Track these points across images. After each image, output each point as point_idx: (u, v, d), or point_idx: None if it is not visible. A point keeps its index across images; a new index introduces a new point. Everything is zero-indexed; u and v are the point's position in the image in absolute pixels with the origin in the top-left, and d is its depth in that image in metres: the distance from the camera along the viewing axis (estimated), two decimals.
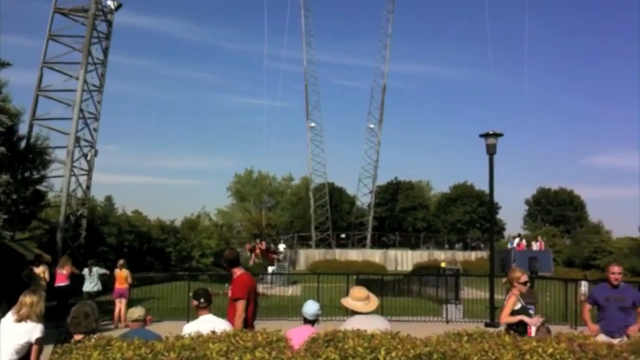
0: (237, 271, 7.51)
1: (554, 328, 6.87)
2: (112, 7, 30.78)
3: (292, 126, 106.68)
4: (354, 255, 52.59)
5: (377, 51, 57.75)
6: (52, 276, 18.04)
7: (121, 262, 18.52)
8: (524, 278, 7.17)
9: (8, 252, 23.04)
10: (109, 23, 31.22)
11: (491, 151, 18.61)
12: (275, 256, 32.06)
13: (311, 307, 6.46)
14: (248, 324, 7.06)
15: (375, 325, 4.76)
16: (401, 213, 66.51)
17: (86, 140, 30.46)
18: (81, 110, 29.11)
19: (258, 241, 30.67)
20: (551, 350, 3.65)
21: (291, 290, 28.82)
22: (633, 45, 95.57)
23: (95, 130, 31.04)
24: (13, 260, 22.00)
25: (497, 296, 17.02)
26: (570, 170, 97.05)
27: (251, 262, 31.31)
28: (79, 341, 4.05)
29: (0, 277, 17.80)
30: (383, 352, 3.58)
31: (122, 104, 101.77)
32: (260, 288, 26.11)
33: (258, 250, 30.23)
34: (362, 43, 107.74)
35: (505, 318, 6.94)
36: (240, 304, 7.12)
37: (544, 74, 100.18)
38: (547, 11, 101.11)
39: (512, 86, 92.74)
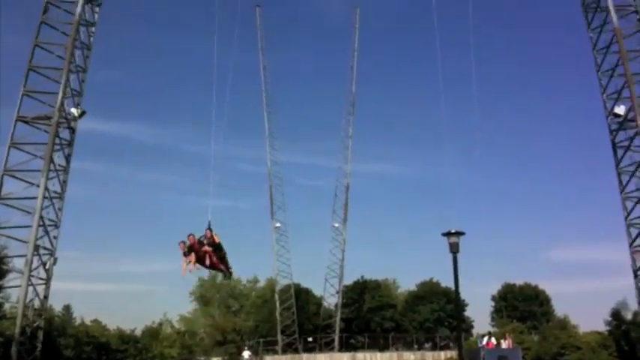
0: None
1: None
2: (76, 114, 31.16)
3: (257, 226, 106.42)
4: (322, 359, 51.19)
5: (339, 151, 59.06)
6: None
7: None
8: None
9: None
10: (72, 130, 31.46)
11: (454, 249, 18.82)
12: (223, 268, 18.45)
13: None
14: None
15: None
16: (368, 313, 65.58)
17: (45, 248, 29.83)
18: (41, 217, 28.73)
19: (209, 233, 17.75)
20: None
21: None
22: (591, 131, 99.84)
23: (55, 237, 30.50)
24: None
25: None
26: (533, 264, 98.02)
27: (188, 270, 17.70)
28: None
29: None
30: None
31: (83, 210, 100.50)
32: None
33: (205, 250, 17.36)
34: (324, 143, 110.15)
35: None
36: None
37: (501, 167, 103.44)
38: (499, 100, 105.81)
39: (471, 180, 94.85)
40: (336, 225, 57.46)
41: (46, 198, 29.30)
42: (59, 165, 30.54)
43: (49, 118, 29.92)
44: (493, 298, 70.13)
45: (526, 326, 58.23)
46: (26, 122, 30.18)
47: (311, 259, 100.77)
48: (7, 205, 29.07)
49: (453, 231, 18.92)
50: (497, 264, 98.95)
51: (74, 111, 31.03)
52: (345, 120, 58.15)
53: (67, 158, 31.10)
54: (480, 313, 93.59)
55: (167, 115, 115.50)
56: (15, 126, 29.83)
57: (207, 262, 17.44)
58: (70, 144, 31.14)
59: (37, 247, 28.67)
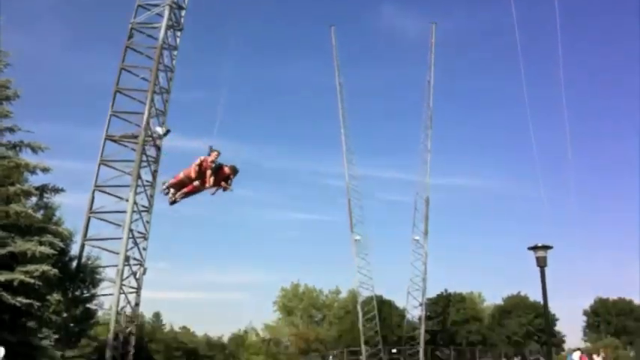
0: None
1: None
2: (161, 132, 32.22)
3: (337, 239, 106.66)
4: None
5: (419, 165, 58.26)
6: None
7: None
8: None
9: None
10: (158, 148, 32.51)
11: (541, 263, 18.09)
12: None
13: None
14: None
15: None
16: (453, 326, 64.27)
17: (135, 259, 31.07)
18: (130, 230, 29.92)
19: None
20: None
21: None
22: None
23: (144, 249, 31.73)
24: None
25: None
26: (627, 279, 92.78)
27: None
28: None
29: None
30: None
31: (169, 223, 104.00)
32: None
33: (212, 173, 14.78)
34: (403, 158, 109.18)
35: None
36: None
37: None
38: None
39: (559, 198, 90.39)
40: (417, 238, 56.69)
41: (135, 212, 30.47)
42: (146, 181, 31.67)
43: (135, 137, 31.16)
44: (585, 313, 67.27)
45: (621, 341, 55.33)
46: (114, 141, 31.60)
47: (393, 271, 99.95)
48: (99, 218, 30.53)
49: (539, 245, 18.20)
50: (589, 277, 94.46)
51: (159, 129, 32.11)
52: (424, 134, 57.65)
53: (154, 174, 32.19)
54: (572, 328, 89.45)
55: (250, 132, 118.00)
56: (104, 145, 31.32)
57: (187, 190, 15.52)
58: (156, 161, 32.26)
59: (127, 258, 29.90)
